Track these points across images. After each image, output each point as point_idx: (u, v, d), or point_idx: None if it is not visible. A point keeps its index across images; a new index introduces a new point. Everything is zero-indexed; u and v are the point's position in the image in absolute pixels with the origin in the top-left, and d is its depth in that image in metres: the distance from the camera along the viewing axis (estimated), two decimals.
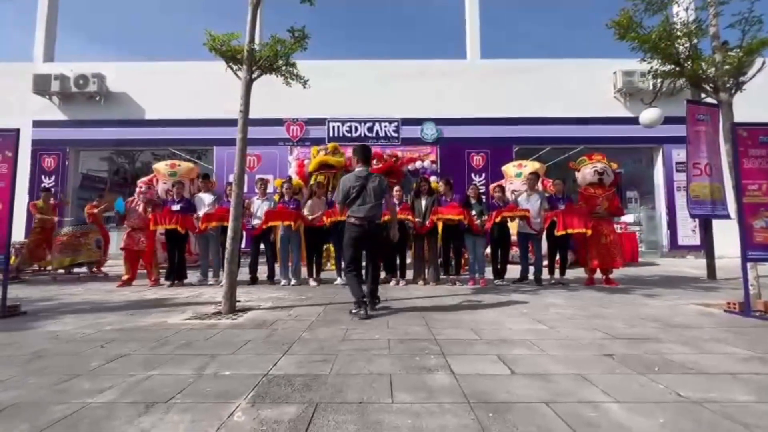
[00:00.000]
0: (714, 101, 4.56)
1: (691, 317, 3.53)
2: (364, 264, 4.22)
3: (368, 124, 11.40)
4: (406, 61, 11.98)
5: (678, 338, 2.81)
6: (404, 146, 11.21)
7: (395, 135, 11.38)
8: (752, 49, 3.81)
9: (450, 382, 1.95)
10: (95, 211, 7.33)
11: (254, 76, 4.27)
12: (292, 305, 4.20)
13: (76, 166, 12.01)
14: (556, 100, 11.40)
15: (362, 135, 11.36)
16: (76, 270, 7.40)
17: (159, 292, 5.29)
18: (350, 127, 11.42)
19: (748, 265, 3.63)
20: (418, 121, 11.40)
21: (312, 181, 7.70)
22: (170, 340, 2.81)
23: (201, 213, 6.01)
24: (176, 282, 5.95)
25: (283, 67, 4.51)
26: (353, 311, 3.64)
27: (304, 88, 4.82)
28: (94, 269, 7.37)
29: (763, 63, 3.87)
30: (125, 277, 5.98)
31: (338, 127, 11.41)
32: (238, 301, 4.14)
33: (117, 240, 8.58)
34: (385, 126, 11.40)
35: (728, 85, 4.01)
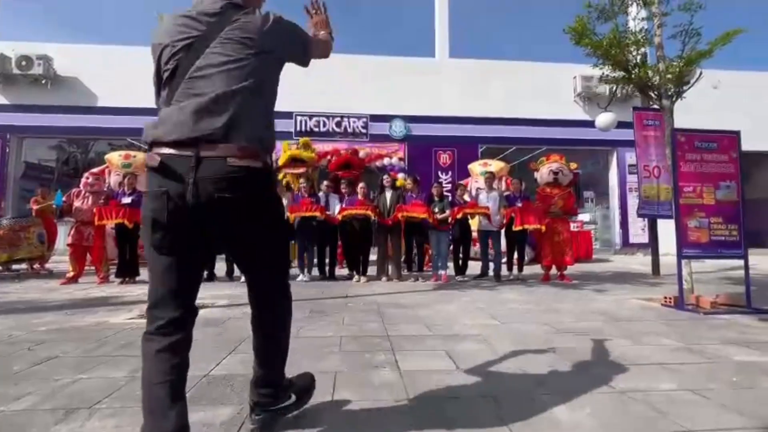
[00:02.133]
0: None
1: (634, 311, 3.75)
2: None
3: (336, 119, 11.28)
4: (375, 57, 11.93)
5: (619, 331, 2.97)
6: (372, 142, 11.18)
7: (364, 131, 11.33)
8: (691, 60, 4.08)
9: (395, 378, 1.96)
10: (35, 207, 6.82)
11: None
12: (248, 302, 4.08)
13: (19, 155, 11.12)
14: (521, 101, 11.73)
15: (330, 130, 11.23)
16: (14, 267, 6.86)
17: (107, 290, 5.00)
18: (318, 121, 11.26)
19: (683, 262, 3.89)
20: (387, 118, 11.40)
21: (280, 177, 7.52)
22: (109, 340, 2.66)
23: None
24: (127, 279, 5.65)
25: None
26: None
27: None
28: (36, 266, 6.87)
29: (700, 74, 4.15)
30: (70, 274, 5.61)
31: (306, 121, 11.22)
32: None
33: (65, 235, 8.03)
34: (354, 122, 11.32)
35: (670, 93, 4.27)
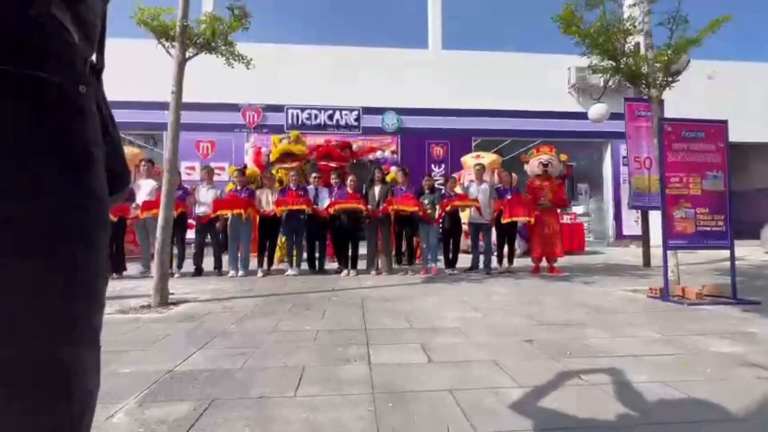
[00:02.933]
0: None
1: (617, 303, 3.72)
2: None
3: (328, 112, 11.16)
4: (367, 48, 11.77)
5: (600, 323, 2.94)
6: (365, 135, 11.07)
7: (356, 124, 11.22)
8: (680, 48, 4.01)
9: (363, 372, 1.92)
10: None
11: (189, 55, 4.01)
12: (232, 297, 4.04)
13: None
14: (515, 93, 11.62)
15: (322, 123, 11.11)
16: None
17: None
18: (310, 114, 11.14)
19: (669, 253, 3.86)
20: (379, 111, 11.29)
21: (274, 173, 7.44)
22: None
23: (139, 200, 5.66)
24: (114, 275, 5.59)
25: (223, 47, 4.27)
26: None
27: (248, 68, 4.60)
28: None
29: (688, 62, 4.08)
30: None
31: (298, 114, 11.10)
32: (172, 294, 3.93)
33: None
34: (346, 114, 11.20)
35: (659, 82, 4.20)
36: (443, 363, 2.06)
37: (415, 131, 11.35)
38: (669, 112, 5.83)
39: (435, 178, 7.72)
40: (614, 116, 8.57)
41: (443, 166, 11.30)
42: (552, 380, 1.83)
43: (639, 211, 9.22)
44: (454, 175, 8.22)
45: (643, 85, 4.37)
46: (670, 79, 4.29)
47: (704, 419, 1.47)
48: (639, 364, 2.06)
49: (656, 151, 4.00)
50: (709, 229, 3.83)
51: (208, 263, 5.98)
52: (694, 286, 3.87)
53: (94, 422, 1.08)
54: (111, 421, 1.43)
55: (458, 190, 6.24)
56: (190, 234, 6.02)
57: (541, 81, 11.72)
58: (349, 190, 5.90)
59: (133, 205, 5.61)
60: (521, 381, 1.81)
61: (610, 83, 4.93)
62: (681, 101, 7.56)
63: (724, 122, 3.95)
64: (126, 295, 4.24)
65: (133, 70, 10.55)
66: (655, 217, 6.92)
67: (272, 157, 7.75)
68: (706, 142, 3.85)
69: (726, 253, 3.93)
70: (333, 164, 7.45)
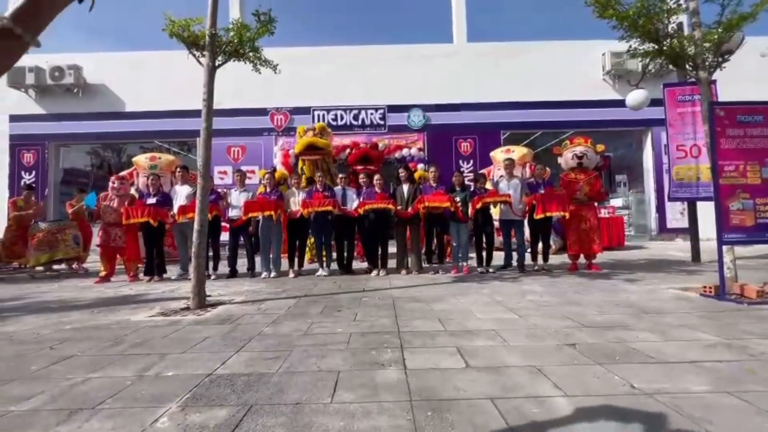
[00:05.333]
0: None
1: (666, 302, 3.48)
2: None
3: (354, 112, 11.19)
4: (391, 46, 11.70)
5: (647, 325, 2.75)
6: (391, 134, 11.02)
7: (381, 122, 11.19)
8: (732, 24, 3.67)
9: (399, 378, 1.88)
10: (70, 210, 7.21)
11: (218, 62, 4.10)
12: (266, 298, 4.12)
13: (57, 161, 11.76)
14: (544, 83, 11.20)
15: (348, 123, 11.16)
16: (56, 267, 7.28)
17: (135, 288, 5.19)
18: (336, 115, 11.21)
19: (724, 248, 3.56)
20: (405, 108, 11.20)
21: (300, 168, 7.52)
22: (126, 338, 2.73)
23: (176, 206, 5.88)
24: (155, 277, 5.85)
25: (250, 53, 4.35)
26: None
27: (275, 73, 4.67)
28: (75, 265, 7.25)
29: (743, 39, 3.73)
30: (102, 274, 5.88)
31: (324, 115, 11.20)
32: (209, 296, 4.05)
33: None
34: (371, 113, 11.19)
35: (707, 63, 3.88)
36: (481, 368, 1.98)
37: (441, 127, 11.17)
38: (721, 95, 5.39)
39: (464, 175, 7.58)
40: (654, 102, 8.05)
41: (471, 161, 11.07)
42: (600, 389, 1.71)
43: (684, 202, 8.66)
44: (482, 171, 8.03)
45: (690, 68, 4.05)
46: (720, 59, 3.95)
47: None
48: (697, 371, 1.90)
49: (707, 138, 3.70)
50: None
51: (241, 265, 6.15)
52: (755, 284, 3.55)
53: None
54: (156, 426, 1.46)
55: (488, 186, 6.06)
56: (224, 236, 6.21)
57: (573, 68, 11.23)
58: (377, 189, 5.87)
59: (171, 212, 5.84)
60: (567, 389, 1.70)
61: (650, 67, 4.58)
62: (731, 82, 7.00)
63: None
64: (167, 297, 4.42)
65: (167, 81, 11.02)
66: (705, 209, 6.46)
67: (296, 150, 7.81)
68: (765, 125, 3.52)
69: None
70: (372, 166, 7.39)
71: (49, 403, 1.70)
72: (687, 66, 4.03)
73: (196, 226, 3.87)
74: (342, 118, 11.20)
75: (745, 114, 3.54)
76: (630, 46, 4.25)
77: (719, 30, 3.72)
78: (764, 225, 3.49)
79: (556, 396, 1.64)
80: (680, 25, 4.48)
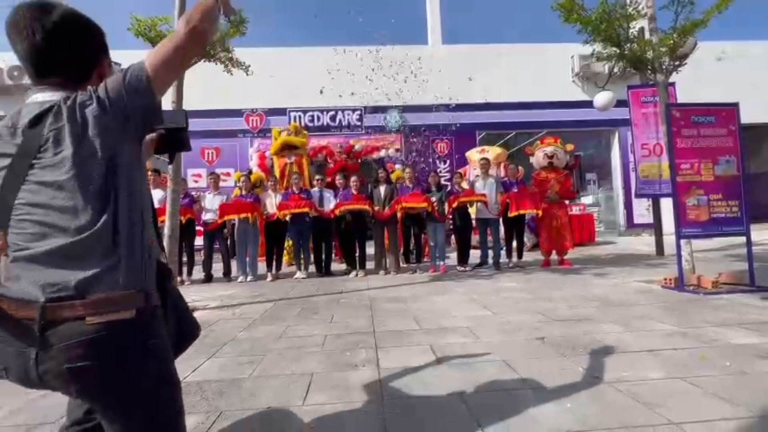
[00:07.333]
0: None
1: (631, 295, 3.64)
2: None
3: (331, 113, 11.14)
4: (367, 47, 11.71)
5: (613, 317, 2.87)
6: (368, 135, 11.04)
7: (359, 124, 11.18)
8: (685, 30, 3.89)
9: (371, 377, 1.90)
10: None
11: None
12: (242, 303, 4.05)
13: None
14: (518, 84, 11.48)
15: (325, 124, 11.11)
16: None
17: None
18: (312, 116, 11.13)
19: (682, 241, 3.77)
20: (382, 109, 11.24)
21: (275, 169, 7.45)
22: None
23: None
24: (183, 281, 5.65)
25: (221, 54, 4.28)
26: None
27: (247, 75, 4.62)
28: None
29: (695, 44, 3.96)
30: None
31: (300, 116, 11.09)
32: None
33: None
34: (348, 115, 11.17)
35: (664, 67, 4.09)
36: (452, 365, 2.03)
37: (418, 128, 11.28)
38: (681, 97, 5.68)
39: (441, 174, 7.70)
40: (621, 103, 8.39)
41: (448, 162, 11.21)
42: (565, 381, 1.78)
43: (650, 199, 9.08)
44: (459, 170, 8.16)
45: (649, 71, 4.26)
46: (677, 63, 4.17)
47: (723, 417, 1.42)
48: (655, 359, 2.01)
49: (665, 138, 3.90)
50: (723, 215, 3.72)
51: (217, 269, 6.02)
52: (710, 275, 3.76)
53: None
54: None
55: (464, 185, 6.17)
56: (199, 241, 6.06)
57: (544, 71, 11.55)
58: (353, 191, 5.88)
59: None
60: (533, 382, 1.77)
61: (615, 70, 4.79)
62: (693, 85, 7.38)
63: (735, 105, 3.83)
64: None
65: None
66: (668, 205, 6.78)
67: (272, 150, 7.78)
68: (717, 126, 3.74)
69: (742, 239, 3.82)
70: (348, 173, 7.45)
71: (7, 419, 1.63)
72: (647, 69, 4.23)
73: (166, 230, 3.78)
74: (319, 119, 11.12)
75: (699, 115, 3.75)
76: (594, 50, 4.43)
77: (674, 35, 3.93)
78: (717, 219, 3.70)
79: (522, 389, 1.71)
80: (641, 30, 4.71)
